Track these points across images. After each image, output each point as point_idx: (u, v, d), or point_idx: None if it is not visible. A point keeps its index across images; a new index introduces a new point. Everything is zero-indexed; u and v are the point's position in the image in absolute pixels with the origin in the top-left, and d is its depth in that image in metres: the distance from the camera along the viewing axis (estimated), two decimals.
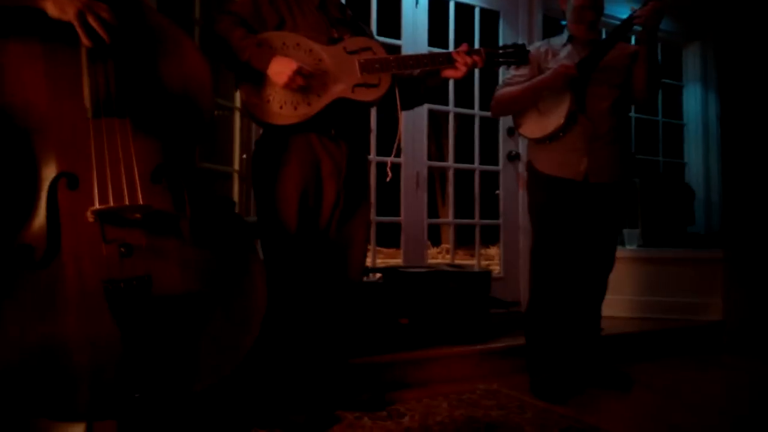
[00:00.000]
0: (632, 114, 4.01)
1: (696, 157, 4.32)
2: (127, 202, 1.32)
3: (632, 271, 3.50)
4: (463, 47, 1.90)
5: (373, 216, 3.12)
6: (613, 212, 2.35)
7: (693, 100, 4.37)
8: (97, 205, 1.30)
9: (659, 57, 4.28)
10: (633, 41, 3.24)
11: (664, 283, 3.48)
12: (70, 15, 1.27)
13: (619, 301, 3.31)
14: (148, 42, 1.46)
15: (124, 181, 1.32)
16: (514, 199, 3.58)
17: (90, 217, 1.30)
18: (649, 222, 3.77)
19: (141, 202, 1.33)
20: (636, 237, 3.71)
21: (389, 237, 3.67)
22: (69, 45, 1.33)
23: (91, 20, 1.28)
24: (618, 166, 2.31)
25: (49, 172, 1.31)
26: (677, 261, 3.50)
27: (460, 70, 1.89)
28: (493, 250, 3.78)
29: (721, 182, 4.16)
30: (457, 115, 3.65)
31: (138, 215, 1.33)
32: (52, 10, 1.27)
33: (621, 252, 2.70)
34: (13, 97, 1.30)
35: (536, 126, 2.30)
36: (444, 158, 3.66)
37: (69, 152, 1.32)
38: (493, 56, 1.94)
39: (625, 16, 2.28)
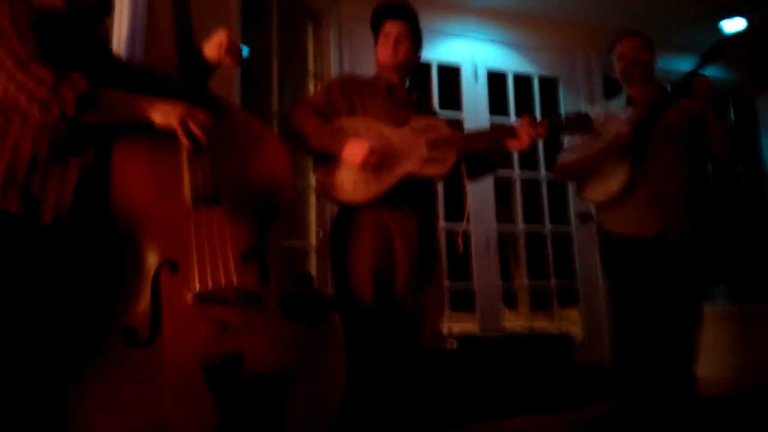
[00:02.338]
0: (709, 167, 3.88)
1: None
2: (222, 283, 1.42)
3: (723, 330, 3.27)
4: (526, 120, 1.94)
5: (445, 283, 3.14)
6: (694, 268, 2.23)
7: None
8: (196, 287, 1.41)
9: (731, 109, 4.21)
10: None
11: (759, 341, 3.22)
12: (173, 122, 1.42)
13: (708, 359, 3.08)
14: (236, 138, 1.63)
15: (220, 263, 1.44)
16: (591, 259, 3.49)
17: (189, 299, 1.40)
18: (738, 277, 3.54)
19: (235, 282, 1.43)
20: (725, 293, 3.49)
21: (464, 300, 3.66)
22: (169, 144, 1.48)
23: (191, 124, 1.43)
24: (693, 219, 2.23)
25: (153, 260, 1.44)
26: None
27: (524, 142, 1.92)
28: (573, 312, 3.66)
29: None
30: (523, 179, 3.67)
31: (231, 294, 1.43)
32: (158, 119, 1.43)
33: (710, 310, 2.56)
34: (122, 195, 1.46)
35: (598, 190, 2.28)
36: (513, 222, 3.66)
37: (170, 240, 1.45)
38: (556, 127, 1.98)
39: (685, 68, 2.25)
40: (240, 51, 1.65)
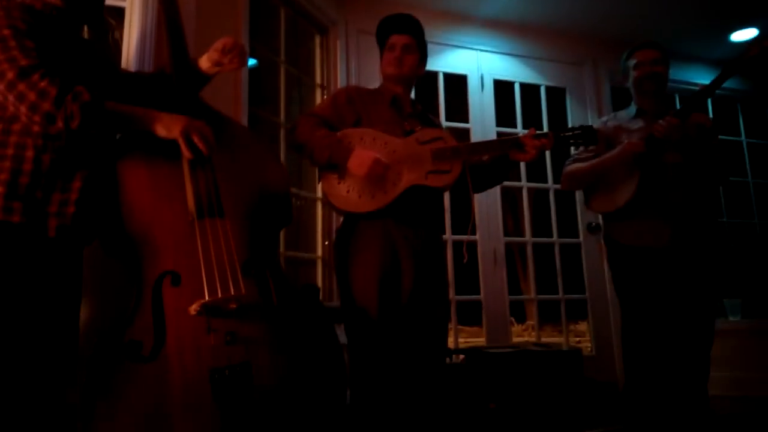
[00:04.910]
0: None
1: None
2: (230, 293, 1.41)
3: (735, 345, 3.20)
4: (531, 131, 1.94)
5: (452, 295, 3.12)
6: (704, 278, 2.19)
7: None
8: (201, 299, 1.40)
9: (740, 118, 4.17)
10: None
11: None
12: (175, 133, 1.44)
13: (721, 379, 3.01)
14: (233, 148, 1.65)
15: (228, 275, 1.43)
16: (600, 271, 3.45)
17: (193, 311, 1.39)
18: (751, 290, 3.48)
19: (241, 292, 1.42)
20: (738, 307, 3.43)
21: (471, 315, 3.62)
22: (167, 159, 1.51)
23: (193, 136, 1.45)
24: (703, 228, 2.19)
25: (154, 272, 1.43)
26: None
27: (530, 154, 1.92)
28: (582, 326, 3.61)
29: None
30: (531, 189, 3.65)
31: (234, 305, 1.41)
32: (160, 131, 1.45)
33: (722, 324, 2.51)
34: (124, 207, 1.47)
35: (606, 201, 2.25)
36: (521, 232, 3.63)
37: (172, 253, 1.45)
38: (562, 139, 1.97)
39: (698, 80, 2.23)
40: (243, 51, 1.66)
